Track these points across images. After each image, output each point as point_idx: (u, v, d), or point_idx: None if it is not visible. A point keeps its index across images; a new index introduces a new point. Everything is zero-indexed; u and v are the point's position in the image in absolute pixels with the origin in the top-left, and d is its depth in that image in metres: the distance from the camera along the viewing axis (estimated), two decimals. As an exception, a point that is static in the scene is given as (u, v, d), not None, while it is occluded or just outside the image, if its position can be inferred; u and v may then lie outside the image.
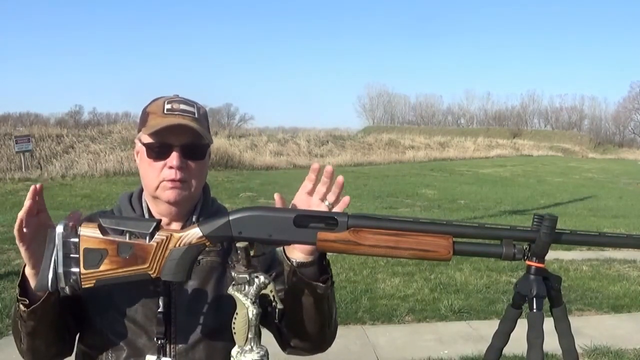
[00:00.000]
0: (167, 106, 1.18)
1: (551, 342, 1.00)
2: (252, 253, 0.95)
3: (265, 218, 0.94)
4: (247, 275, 0.93)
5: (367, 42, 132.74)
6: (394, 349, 4.16)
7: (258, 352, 0.93)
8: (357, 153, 26.30)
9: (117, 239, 0.96)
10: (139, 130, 1.21)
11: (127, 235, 0.97)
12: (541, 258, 0.95)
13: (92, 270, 0.95)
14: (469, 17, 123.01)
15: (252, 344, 0.93)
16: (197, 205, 1.26)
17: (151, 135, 1.16)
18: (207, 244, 0.96)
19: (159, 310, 1.17)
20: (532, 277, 0.96)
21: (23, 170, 15.30)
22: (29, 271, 1.07)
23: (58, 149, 17.65)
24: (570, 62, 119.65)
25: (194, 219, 1.23)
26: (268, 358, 0.94)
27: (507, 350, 1.09)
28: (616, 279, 6.14)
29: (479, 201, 13.20)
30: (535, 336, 0.94)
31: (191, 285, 1.19)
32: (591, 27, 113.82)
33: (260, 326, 1.10)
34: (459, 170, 22.51)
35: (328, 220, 0.95)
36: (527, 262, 0.96)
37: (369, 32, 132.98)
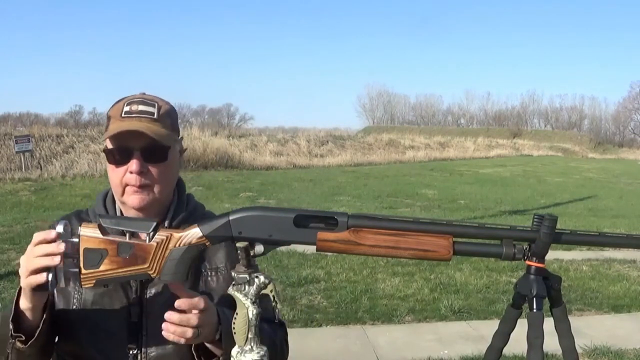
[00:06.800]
0: (126, 108, 1.16)
1: (551, 342, 1.00)
2: (252, 253, 0.95)
3: (266, 218, 0.94)
4: (247, 275, 0.94)
5: (367, 42, 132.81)
6: (394, 349, 4.16)
7: (258, 352, 0.93)
8: (357, 153, 26.28)
9: (117, 239, 0.96)
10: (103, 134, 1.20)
11: (127, 235, 0.97)
12: (541, 258, 0.95)
13: (92, 270, 0.95)
14: (469, 17, 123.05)
15: (252, 344, 0.93)
16: (170, 207, 1.24)
17: (110, 140, 1.15)
18: (207, 244, 0.96)
19: (130, 319, 1.17)
20: (532, 277, 0.96)
21: (23, 170, 15.29)
22: (26, 306, 1.04)
23: (58, 149, 17.64)
24: (570, 62, 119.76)
25: (166, 224, 1.22)
26: (268, 358, 0.94)
27: (507, 350, 1.09)
28: (616, 279, 6.14)
29: (479, 201, 13.20)
30: (535, 336, 0.94)
31: (163, 292, 1.19)
32: (591, 27, 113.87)
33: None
34: (459, 170, 22.50)
35: (328, 220, 0.95)
36: (527, 262, 0.96)
37: (369, 32, 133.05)
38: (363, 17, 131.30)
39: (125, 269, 0.96)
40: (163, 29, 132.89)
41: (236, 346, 0.93)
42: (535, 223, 0.94)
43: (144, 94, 1.21)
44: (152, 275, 0.96)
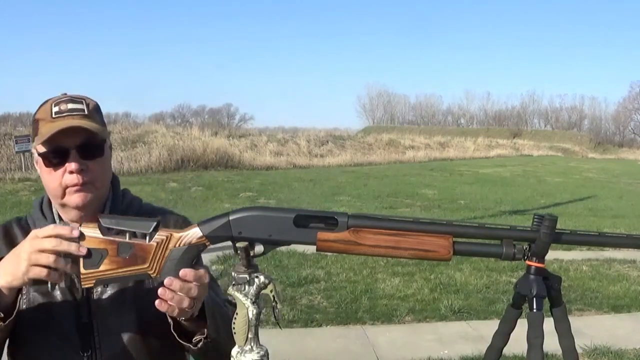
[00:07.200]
0: (55, 109, 1.14)
1: (551, 342, 1.00)
2: (252, 253, 0.95)
3: (266, 218, 0.94)
4: (247, 275, 0.94)
5: (367, 42, 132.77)
6: (394, 349, 4.16)
7: (258, 352, 0.93)
8: (357, 153, 26.27)
9: (117, 239, 0.96)
10: (33, 140, 1.18)
11: (127, 235, 0.97)
12: (541, 258, 0.95)
13: (92, 270, 0.95)
14: (469, 17, 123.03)
15: (252, 344, 0.93)
16: (106, 203, 1.23)
17: (44, 143, 1.13)
18: (207, 244, 0.96)
19: (80, 319, 1.15)
20: (532, 277, 0.96)
21: (23, 170, 15.29)
22: (7, 284, 1.00)
23: (58, 149, 17.62)
24: (570, 62, 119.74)
25: None
26: (268, 358, 0.94)
27: (507, 350, 1.09)
28: (616, 279, 6.14)
29: (479, 201, 13.19)
30: (535, 336, 0.94)
31: (110, 290, 1.18)
32: (591, 27, 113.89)
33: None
34: (459, 170, 22.50)
35: (328, 220, 0.95)
36: (527, 262, 0.96)
37: (369, 32, 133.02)
38: (363, 17, 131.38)
39: (125, 269, 0.96)
40: (163, 28, 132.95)
41: (236, 346, 0.94)
42: (535, 223, 0.94)
43: (66, 94, 1.20)
44: (152, 275, 0.96)
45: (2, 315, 1.03)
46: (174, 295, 0.96)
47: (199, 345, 1.10)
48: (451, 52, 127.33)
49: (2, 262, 1.01)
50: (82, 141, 1.14)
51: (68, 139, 1.12)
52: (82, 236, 0.96)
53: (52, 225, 0.98)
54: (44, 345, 1.15)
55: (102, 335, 1.16)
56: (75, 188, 1.14)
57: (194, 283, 0.97)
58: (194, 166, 17.36)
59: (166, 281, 0.95)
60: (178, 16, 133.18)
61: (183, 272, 0.95)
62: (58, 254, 0.95)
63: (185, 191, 13.09)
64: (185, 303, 0.97)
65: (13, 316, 1.04)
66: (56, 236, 0.95)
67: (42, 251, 0.95)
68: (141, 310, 1.18)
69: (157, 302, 0.96)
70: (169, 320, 1.07)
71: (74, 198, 1.14)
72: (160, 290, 0.96)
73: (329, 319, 4.62)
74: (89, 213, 1.17)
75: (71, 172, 1.13)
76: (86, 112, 1.16)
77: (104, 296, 1.18)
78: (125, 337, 1.17)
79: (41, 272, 0.95)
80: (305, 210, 0.96)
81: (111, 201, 1.24)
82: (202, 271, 0.98)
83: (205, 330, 1.09)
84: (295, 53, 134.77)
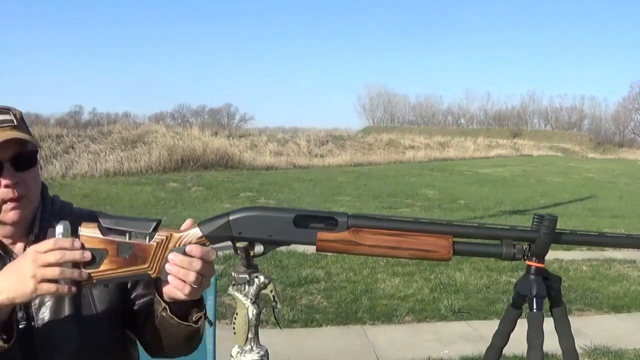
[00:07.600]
0: None
1: (551, 342, 1.00)
2: (252, 253, 0.95)
3: (265, 218, 0.94)
4: (247, 276, 0.94)
5: (367, 42, 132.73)
6: (394, 349, 4.16)
7: (258, 352, 0.93)
8: (357, 153, 26.27)
9: (117, 239, 0.96)
10: None
11: (127, 235, 0.97)
12: (541, 258, 0.96)
13: (92, 271, 0.95)
14: (469, 17, 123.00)
15: (252, 344, 0.93)
16: (37, 213, 1.20)
17: None
18: (206, 244, 0.97)
19: (22, 341, 1.11)
20: (532, 277, 0.97)
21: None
22: (6, 301, 0.97)
23: (58, 149, 17.63)
24: (570, 62, 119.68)
25: (36, 230, 1.18)
26: (268, 358, 0.94)
27: (507, 350, 1.09)
28: (616, 279, 6.14)
29: (479, 201, 13.20)
30: (535, 336, 0.95)
31: (48, 304, 1.16)
32: (591, 27, 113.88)
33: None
34: (459, 170, 22.50)
35: (328, 221, 0.95)
36: (527, 262, 0.97)
37: (369, 32, 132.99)
38: (363, 17, 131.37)
39: (125, 269, 0.96)
40: (163, 28, 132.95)
41: (236, 346, 0.94)
42: (535, 223, 0.94)
43: None
44: (152, 276, 0.97)
45: (5, 336, 1.00)
46: (179, 269, 0.96)
47: (199, 323, 1.11)
48: (451, 52, 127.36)
49: None
50: (15, 153, 1.11)
51: (1, 153, 1.10)
52: (82, 246, 0.95)
53: (52, 239, 0.95)
54: None
55: (45, 354, 1.14)
56: (12, 205, 1.12)
57: (200, 259, 0.97)
58: (194, 166, 17.37)
59: (170, 256, 0.96)
60: (178, 16, 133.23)
61: (189, 247, 0.96)
62: (63, 265, 0.93)
63: (185, 191, 13.10)
64: (192, 277, 0.97)
65: (14, 337, 1.01)
66: (59, 249, 0.94)
67: (48, 266, 0.93)
68: (83, 329, 1.17)
69: (168, 277, 0.98)
70: (163, 304, 1.08)
71: (11, 215, 1.13)
72: (167, 266, 0.97)
73: (329, 319, 4.62)
74: (22, 227, 1.16)
75: (7, 187, 1.11)
76: (15, 123, 1.13)
77: (44, 316, 1.16)
78: (69, 354, 1.15)
79: (50, 288, 0.93)
80: (305, 210, 0.96)
81: (41, 210, 1.22)
82: (208, 248, 0.98)
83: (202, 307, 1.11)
84: (295, 53, 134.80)
